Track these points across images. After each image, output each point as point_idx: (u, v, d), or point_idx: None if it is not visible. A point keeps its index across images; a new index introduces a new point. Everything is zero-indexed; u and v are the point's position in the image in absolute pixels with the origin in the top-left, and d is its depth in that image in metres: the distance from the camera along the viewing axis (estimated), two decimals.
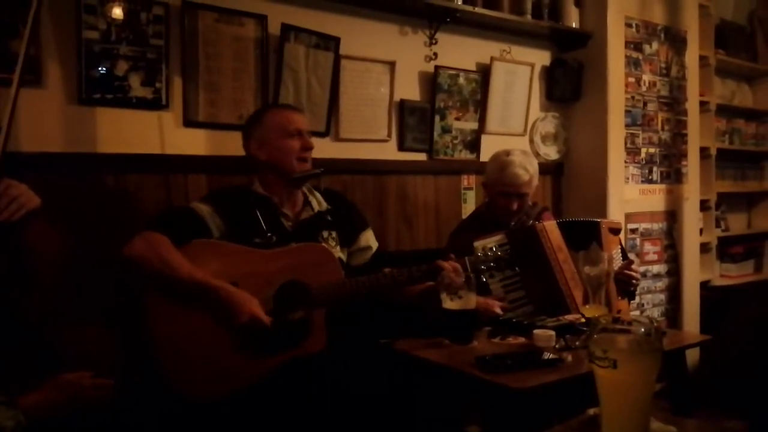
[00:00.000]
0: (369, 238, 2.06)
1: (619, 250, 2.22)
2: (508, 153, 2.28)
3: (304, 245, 1.84)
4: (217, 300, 1.64)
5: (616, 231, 2.21)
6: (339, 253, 1.95)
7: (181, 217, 1.78)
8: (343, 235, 1.99)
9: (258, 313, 1.64)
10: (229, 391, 1.65)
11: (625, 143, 3.12)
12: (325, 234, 1.94)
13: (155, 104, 2.08)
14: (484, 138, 2.92)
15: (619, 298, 2.10)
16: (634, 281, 2.14)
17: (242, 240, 1.78)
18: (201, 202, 1.84)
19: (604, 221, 2.19)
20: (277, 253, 1.80)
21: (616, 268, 2.12)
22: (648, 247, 3.24)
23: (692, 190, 3.43)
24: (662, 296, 3.31)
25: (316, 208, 1.99)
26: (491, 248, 1.94)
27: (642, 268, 3.10)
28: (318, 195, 2.03)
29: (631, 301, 2.30)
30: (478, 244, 2.07)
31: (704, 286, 3.59)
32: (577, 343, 1.68)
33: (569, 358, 1.61)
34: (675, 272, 3.36)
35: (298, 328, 1.74)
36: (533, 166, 2.27)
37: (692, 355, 3.11)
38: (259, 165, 1.93)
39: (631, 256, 3.01)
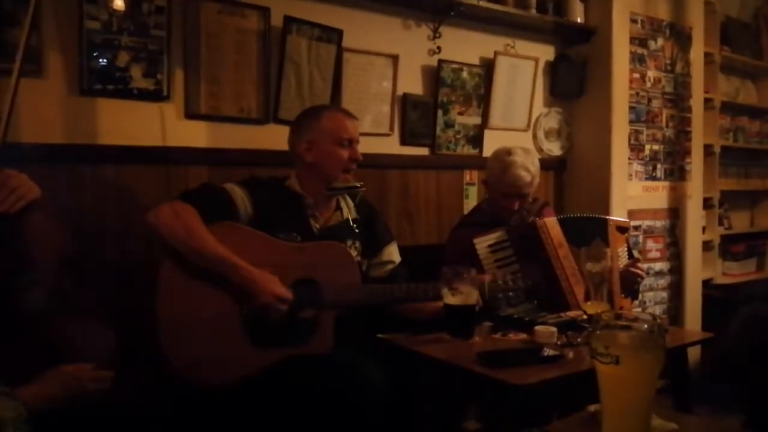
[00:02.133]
0: (392, 252, 2.05)
1: (626, 249, 2.21)
2: (509, 152, 2.24)
3: (326, 243, 1.84)
4: (237, 278, 1.64)
5: (623, 229, 2.20)
6: None
7: (213, 195, 1.78)
8: (366, 247, 1.99)
9: (281, 292, 1.65)
10: (228, 378, 1.65)
11: (629, 140, 3.11)
12: (349, 243, 1.93)
13: (156, 96, 2.07)
14: (487, 133, 2.91)
15: (623, 295, 2.09)
16: (639, 279, 2.13)
17: (266, 232, 1.78)
18: (236, 184, 1.83)
19: (611, 219, 2.18)
20: (297, 247, 1.80)
21: (621, 266, 2.11)
22: (651, 244, 3.23)
23: (695, 188, 3.41)
24: (664, 294, 3.31)
25: (346, 215, 1.99)
26: (513, 279, 1.90)
27: (644, 266, 3.08)
28: (350, 202, 2.03)
29: (634, 300, 2.29)
30: (479, 241, 2.06)
31: (706, 284, 3.58)
32: (579, 339, 1.67)
33: (570, 354, 1.60)
34: (677, 270, 3.35)
35: (305, 326, 1.73)
36: (535, 166, 2.24)
37: (694, 353, 3.11)
38: (302, 164, 1.92)
39: (634, 253, 2.99)
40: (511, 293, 1.88)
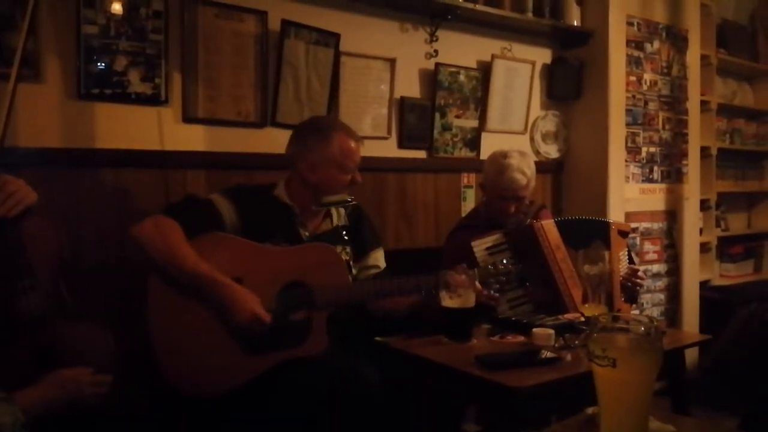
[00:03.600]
0: (378, 258, 2.05)
1: (626, 252, 2.21)
2: (505, 155, 2.25)
3: (313, 245, 1.84)
4: (218, 296, 1.63)
5: (624, 234, 2.20)
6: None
7: (198, 207, 1.77)
8: (355, 251, 2.00)
9: (259, 312, 1.62)
10: (225, 387, 1.65)
11: (626, 142, 3.12)
12: (339, 249, 1.93)
13: (154, 100, 2.07)
14: (484, 136, 2.91)
15: (622, 299, 2.10)
16: (638, 288, 2.13)
17: (254, 241, 1.77)
18: (222, 195, 1.82)
19: (614, 222, 2.18)
20: (285, 251, 1.79)
21: (622, 270, 2.11)
22: (648, 246, 3.24)
23: (692, 190, 3.42)
24: (662, 296, 3.31)
25: (336, 222, 1.99)
26: (502, 261, 1.90)
27: (642, 268, 3.08)
28: (341, 210, 2.02)
29: (633, 305, 2.29)
30: (476, 243, 2.06)
31: (703, 285, 3.59)
32: (577, 342, 1.68)
33: (568, 357, 1.60)
34: (674, 272, 3.36)
35: (298, 328, 1.73)
36: (531, 169, 2.25)
37: (691, 355, 3.11)
38: (298, 178, 1.89)
39: (633, 256, 3.00)
40: (503, 278, 1.88)
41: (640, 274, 2.16)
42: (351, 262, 1.97)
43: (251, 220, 1.80)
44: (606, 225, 2.15)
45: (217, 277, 1.63)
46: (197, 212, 1.75)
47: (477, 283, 1.82)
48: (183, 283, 1.64)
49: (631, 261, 2.24)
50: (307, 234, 1.91)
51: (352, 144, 1.91)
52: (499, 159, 2.25)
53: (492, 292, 1.91)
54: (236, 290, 1.63)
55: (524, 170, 2.21)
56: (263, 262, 1.73)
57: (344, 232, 1.98)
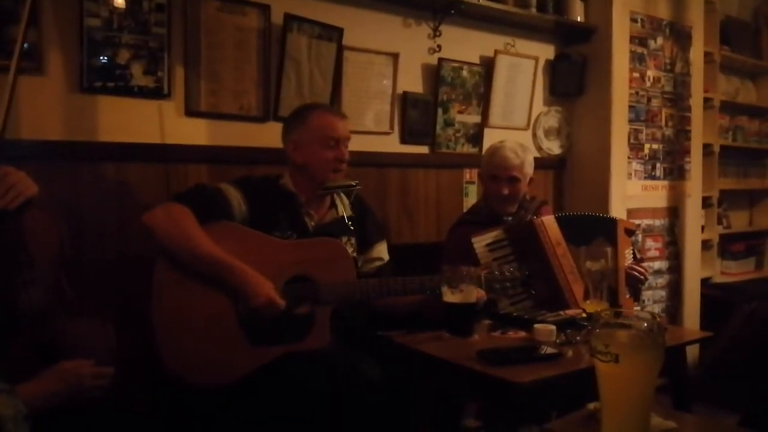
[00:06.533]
0: (382, 251, 2.06)
1: (631, 250, 2.21)
2: (501, 141, 2.34)
3: (321, 239, 1.84)
4: (233, 280, 1.64)
5: (630, 232, 2.21)
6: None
7: (208, 195, 1.77)
8: (359, 243, 2.00)
9: (274, 297, 1.64)
10: (228, 377, 1.66)
11: (629, 139, 3.11)
12: (344, 239, 1.93)
13: (157, 93, 2.07)
14: (486, 132, 2.91)
15: (627, 295, 2.09)
16: (643, 278, 2.13)
17: (261, 231, 1.78)
18: (231, 185, 1.83)
19: (621, 220, 2.18)
20: (292, 244, 1.80)
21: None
22: (650, 243, 3.24)
23: (695, 187, 3.42)
24: (663, 293, 3.31)
25: (341, 212, 1.99)
26: (509, 268, 1.91)
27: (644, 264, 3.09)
28: (345, 200, 2.03)
29: (636, 301, 2.29)
30: (476, 239, 2.06)
31: (705, 283, 3.59)
32: (578, 338, 1.67)
33: (569, 352, 1.60)
34: (676, 269, 3.36)
35: (302, 322, 1.73)
36: (526, 154, 2.28)
37: (692, 352, 3.11)
38: (292, 164, 1.92)
39: (636, 254, 3.00)
40: (508, 283, 1.88)
41: (643, 264, 2.17)
42: (356, 254, 1.97)
43: (259, 208, 1.81)
44: (613, 222, 2.15)
45: (233, 262, 1.65)
46: (207, 200, 1.75)
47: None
48: (197, 268, 1.65)
49: (634, 259, 2.24)
50: (312, 224, 1.92)
51: (331, 118, 1.93)
52: (495, 144, 2.35)
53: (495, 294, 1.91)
54: (252, 275, 1.65)
55: (517, 152, 2.26)
56: (270, 254, 1.74)
57: (350, 223, 1.98)
